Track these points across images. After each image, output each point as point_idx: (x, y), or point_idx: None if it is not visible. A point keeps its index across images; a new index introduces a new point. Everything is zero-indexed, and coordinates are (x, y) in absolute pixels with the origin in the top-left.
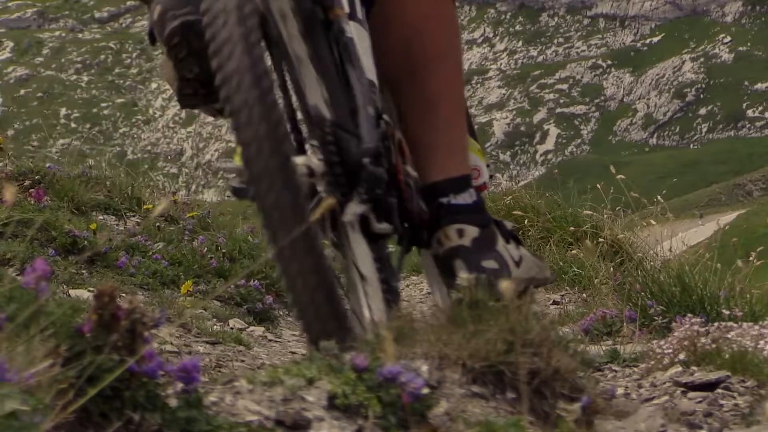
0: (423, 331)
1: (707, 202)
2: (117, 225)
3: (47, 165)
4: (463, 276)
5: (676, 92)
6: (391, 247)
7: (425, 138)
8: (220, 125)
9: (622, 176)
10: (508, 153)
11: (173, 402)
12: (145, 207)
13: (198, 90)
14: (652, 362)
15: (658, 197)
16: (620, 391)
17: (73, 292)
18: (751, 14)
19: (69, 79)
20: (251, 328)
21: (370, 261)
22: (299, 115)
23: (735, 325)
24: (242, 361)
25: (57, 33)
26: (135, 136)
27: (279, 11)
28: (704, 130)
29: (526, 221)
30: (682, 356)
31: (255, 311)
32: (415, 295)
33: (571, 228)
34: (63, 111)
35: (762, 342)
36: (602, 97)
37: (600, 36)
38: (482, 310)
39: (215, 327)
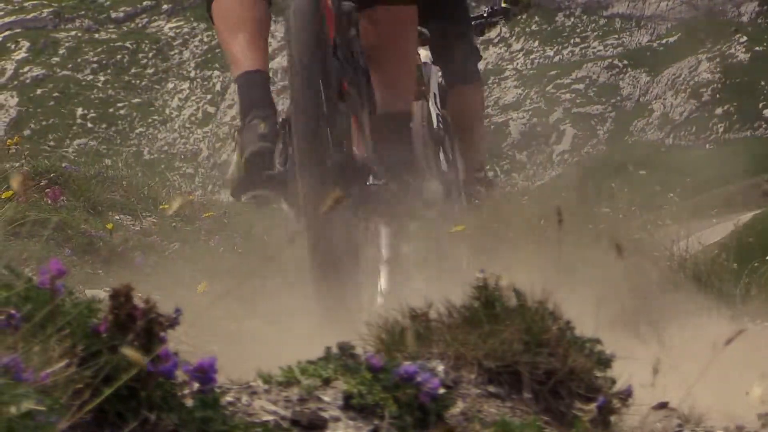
0: (439, 330)
1: (723, 202)
2: (133, 225)
3: (63, 165)
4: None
5: (693, 92)
6: None
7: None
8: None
9: (643, 171)
10: (525, 153)
11: (189, 402)
12: (161, 207)
13: None
14: (669, 361)
15: (674, 197)
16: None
17: (89, 292)
18: (767, 14)
19: (85, 79)
20: (268, 327)
21: None
22: None
23: (752, 325)
24: (259, 360)
25: (73, 33)
26: (151, 136)
27: None
28: (720, 130)
29: (542, 221)
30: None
31: (271, 311)
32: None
33: (589, 226)
34: (79, 111)
35: None
36: (618, 97)
37: (616, 36)
38: (498, 309)
39: (231, 327)
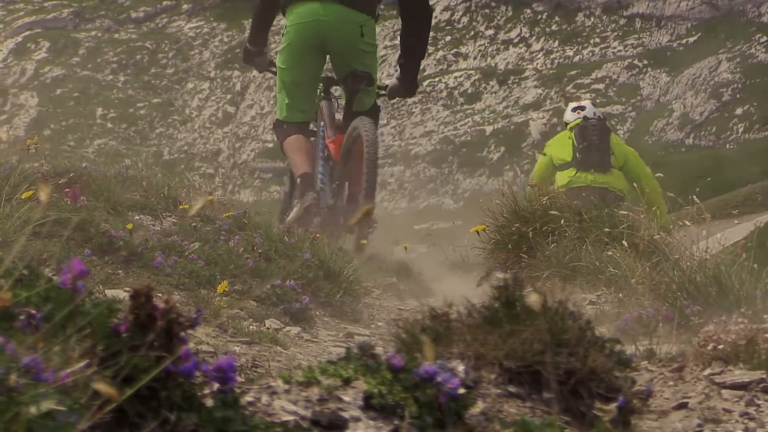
0: (459, 330)
1: (743, 202)
2: (153, 225)
3: (84, 165)
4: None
5: (713, 92)
6: None
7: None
8: (257, 125)
9: (660, 174)
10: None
11: (209, 402)
12: (181, 207)
13: None
14: (689, 362)
15: (694, 197)
16: (656, 390)
17: (109, 292)
18: None
19: (105, 79)
20: (287, 328)
21: None
22: None
23: None
24: (278, 361)
25: (93, 33)
26: (171, 136)
27: None
28: (740, 130)
29: (562, 221)
30: (718, 356)
31: (291, 311)
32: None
33: (607, 229)
34: (99, 111)
35: None
36: (638, 97)
37: (636, 36)
38: (518, 310)
39: (251, 327)
